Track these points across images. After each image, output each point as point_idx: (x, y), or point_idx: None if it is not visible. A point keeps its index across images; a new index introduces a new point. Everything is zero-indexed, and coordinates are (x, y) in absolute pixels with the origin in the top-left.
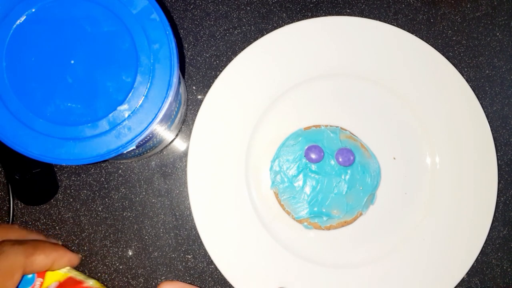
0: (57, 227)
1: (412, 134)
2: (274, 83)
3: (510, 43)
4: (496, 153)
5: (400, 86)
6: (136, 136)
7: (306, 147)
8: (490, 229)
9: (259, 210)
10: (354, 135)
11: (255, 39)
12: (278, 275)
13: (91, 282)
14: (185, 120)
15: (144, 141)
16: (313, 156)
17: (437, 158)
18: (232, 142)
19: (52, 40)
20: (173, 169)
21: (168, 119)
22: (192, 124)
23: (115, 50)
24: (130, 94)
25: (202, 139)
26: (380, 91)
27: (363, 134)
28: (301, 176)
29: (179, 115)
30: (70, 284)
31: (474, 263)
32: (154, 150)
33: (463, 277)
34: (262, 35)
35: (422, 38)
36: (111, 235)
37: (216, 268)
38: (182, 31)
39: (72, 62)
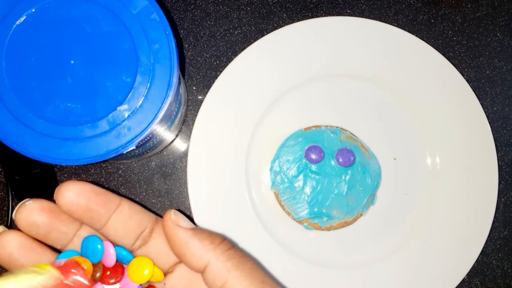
0: None
1: (412, 135)
2: (274, 83)
3: (510, 43)
4: (497, 153)
5: (400, 87)
6: (136, 136)
7: (306, 148)
8: (491, 230)
9: (259, 210)
10: (355, 136)
11: (255, 39)
12: (278, 276)
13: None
14: (185, 120)
15: (144, 141)
16: (313, 156)
17: (438, 159)
18: (232, 143)
19: (52, 40)
20: (173, 169)
21: (168, 119)
22: (192, 124)
23: (115, 50)
24: (130, 94)
25: (202, 140)
26: (380, 91)
27: (364, 135)
28: (301, 176)
29: (179, 115)
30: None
31: (474, 264)
32: (154, 151)
33: (464, 278)
34: (262, 35)
35: (422, 39)
36: None
37: None
38: (182, 31)
39: (72, 62)
